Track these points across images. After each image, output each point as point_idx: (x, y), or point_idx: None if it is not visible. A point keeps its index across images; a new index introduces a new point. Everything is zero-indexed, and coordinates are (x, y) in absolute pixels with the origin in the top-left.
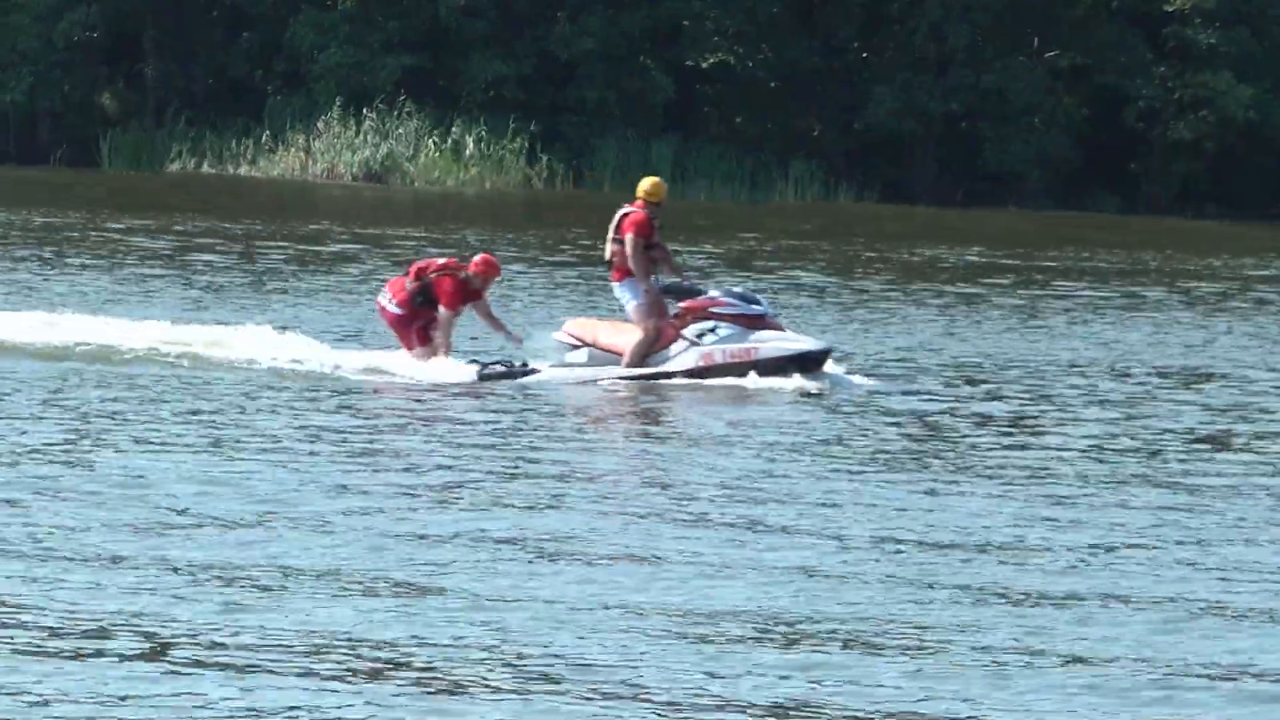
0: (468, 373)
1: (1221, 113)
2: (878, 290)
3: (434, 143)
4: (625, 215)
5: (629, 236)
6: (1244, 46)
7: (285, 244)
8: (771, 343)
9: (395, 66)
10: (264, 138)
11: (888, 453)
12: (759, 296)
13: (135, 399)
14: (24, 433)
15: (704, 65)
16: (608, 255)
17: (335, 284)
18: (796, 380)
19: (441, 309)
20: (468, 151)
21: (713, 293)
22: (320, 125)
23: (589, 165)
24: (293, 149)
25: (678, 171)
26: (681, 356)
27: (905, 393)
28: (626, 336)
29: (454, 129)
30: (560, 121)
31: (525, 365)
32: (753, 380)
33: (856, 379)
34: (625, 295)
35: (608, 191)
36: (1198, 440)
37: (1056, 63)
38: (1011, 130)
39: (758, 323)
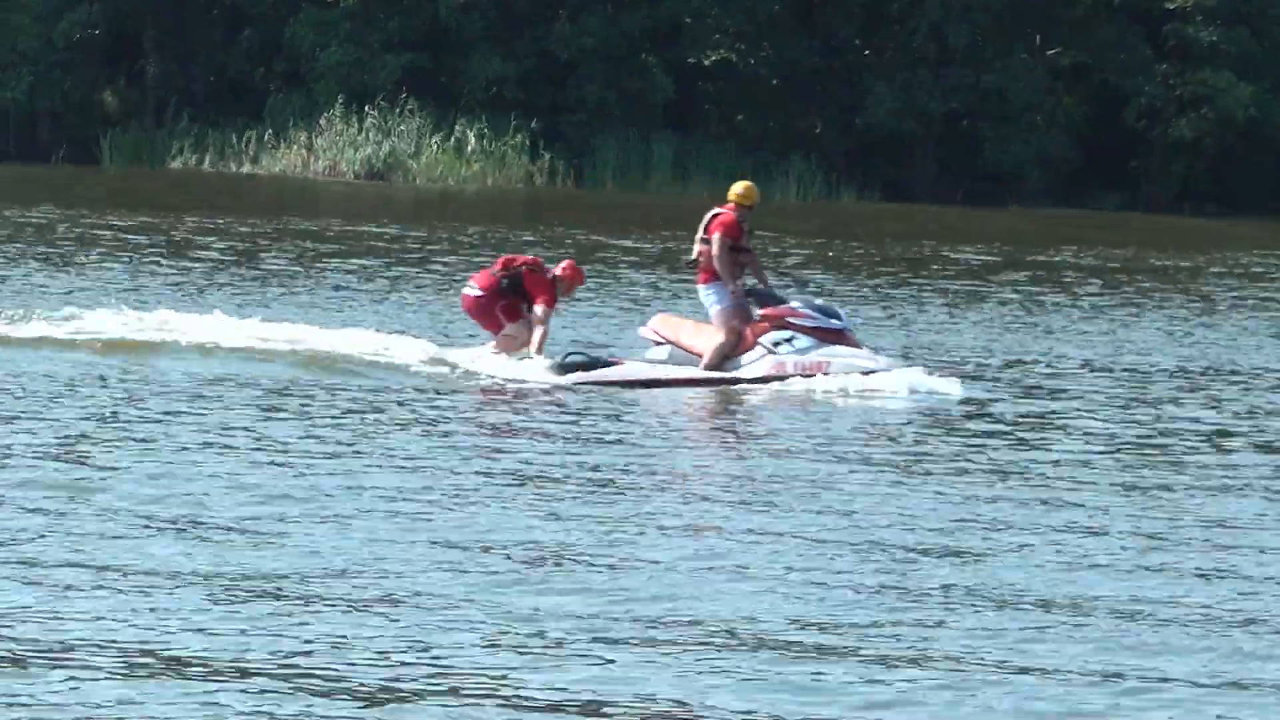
0: (541, 366)
1: (1222, 111)
2: (881, 288)
3: (436, 141)
4: (715, 216)
5: (716, 236)
6: (1244, 45)
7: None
8: (844, 359)
9: (396, 65)
10: (266, 135)
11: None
12: (840, 311)
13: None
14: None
15: (705, 63)
16: (694, 255)
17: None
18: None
19: (540, 307)
20: (469, 149)
21: (794, 303)
22: (322, 123)
23: (590, 164)
24: (294, 146)
25: (678, 170)
26: (755, 364)
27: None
28: (709, 339)
29: (456, 127)
30: (561, 120)
31: (608, 358)
32: (822, 383)
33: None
34: (710, 298)
35: (609, 190)
36: (1218, 438)
37: (1056, 61)
38: (1011, 130)
39: (835, 337)
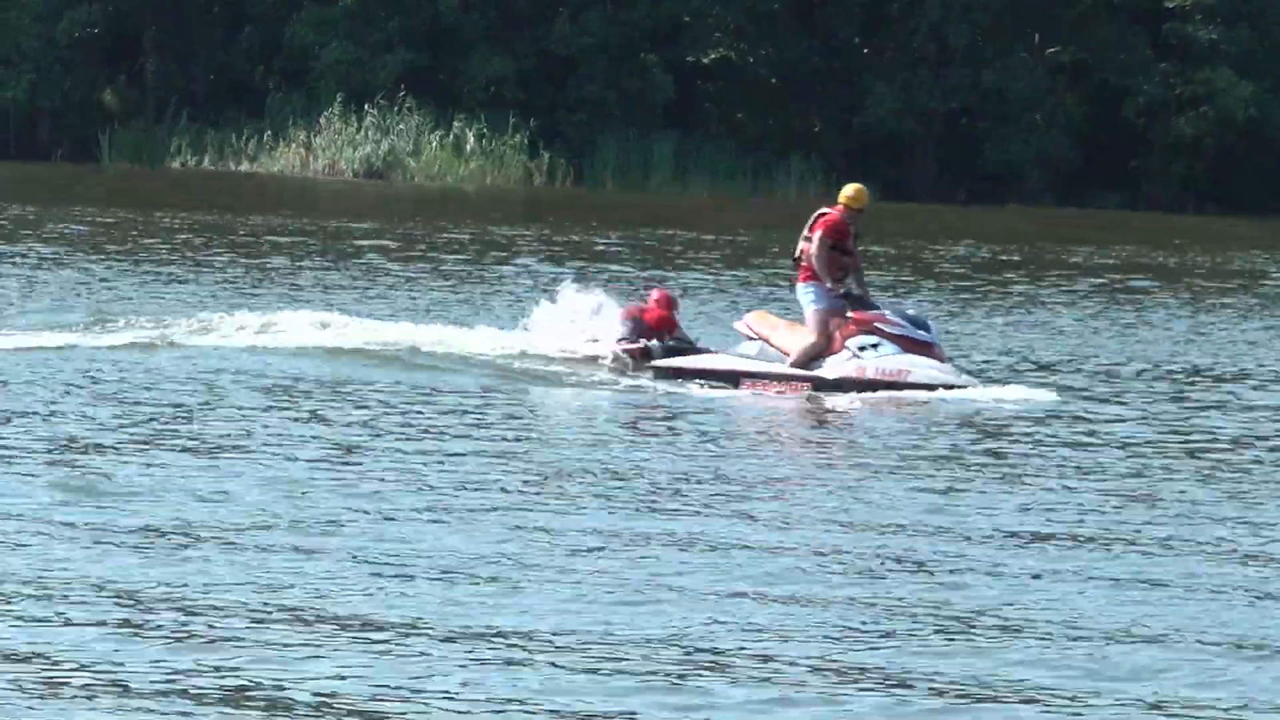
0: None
1: (1222, 110)
2: (887, 286)
3: (435, 139)
4: (821, 215)
5: (818, 235)
6: (1244, 44)
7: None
8: (925, 369)
9: (396, 64)
10: (265, 134)
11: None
12: (930, 324)
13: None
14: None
15: (704, 62)
16: (797, 253)
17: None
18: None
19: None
20: (469, 147)
21: (885, 311)
22: (322, 121)
23: (589, 163)
24: (294, 145)
25: (678, 168)
26: (837, 364)
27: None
28: (800, 339)
29: (455, 125)
30: (560, 119)
31: (697, 344)
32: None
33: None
34: (807, 297)
35: (609, 189)
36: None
37: (1056, 60)
38: (1011, 129)
39: (922, 349)
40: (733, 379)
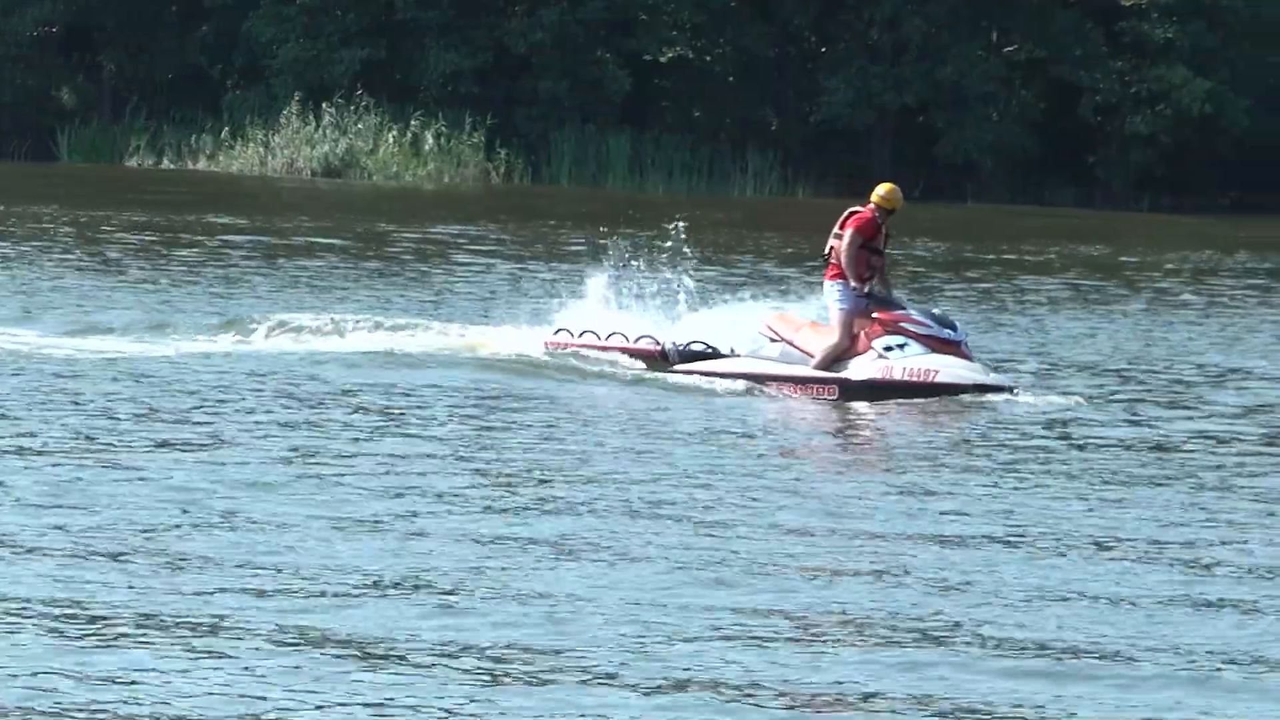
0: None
1: (1177, 106)
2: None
3: (393, 137)
4: (853, 213)
5: (849, 232)
6: (1200, 40)
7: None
8: (953, 369)
9: (353, 60)
10: (223, 133)
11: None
12: (956, 323)
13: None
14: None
15: (661, 60)
16: (826, 250)
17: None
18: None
19: None
20: (426, 146)
21: (911, 310)
22: (281, 120)
23: (546, 160)
24: (251, 144)
25: (635, 165)
26: (864, 367)
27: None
28: (824, 340)
29: (412, 123)
30: (517, 115)
31: (730, 350)
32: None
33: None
34: (833, 296)
35: (566, 185)
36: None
37: (1013, 55)
38: (968, 123)
39: (949, 348)
40: (758, 383)
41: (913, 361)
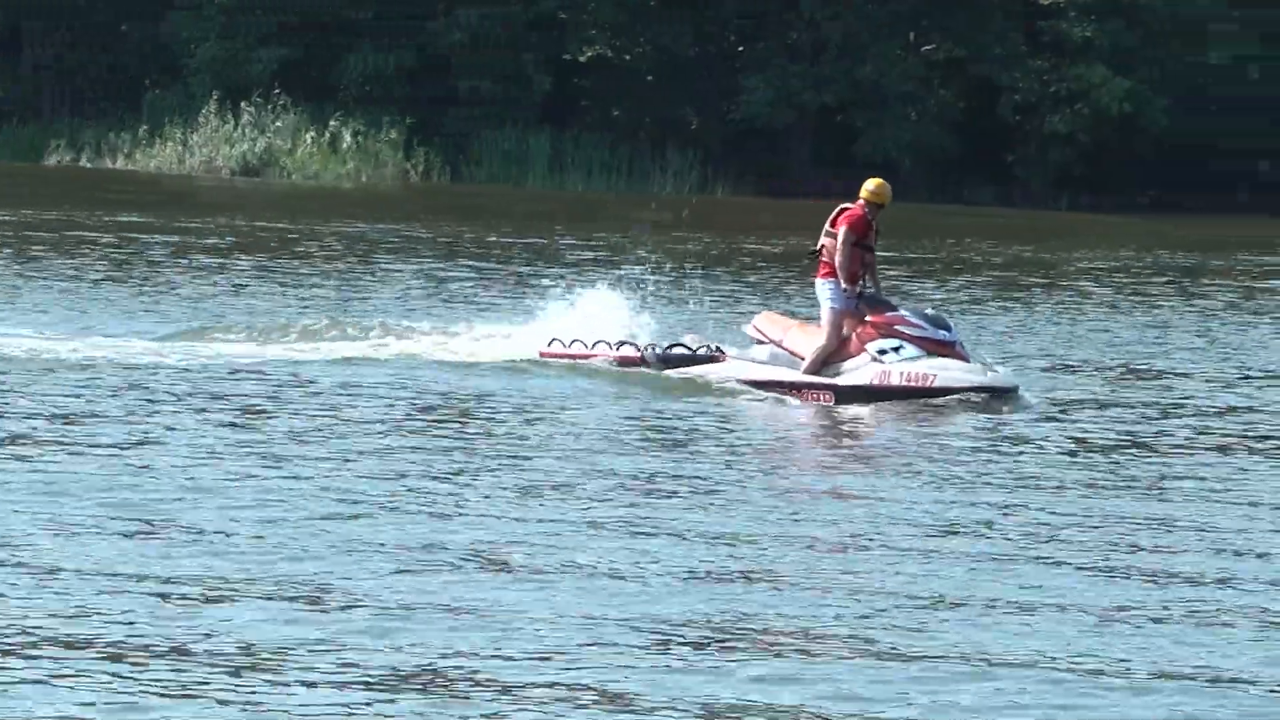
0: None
1: (1096, 106)
2: (763, 282)
3: (311, 136)
4: (843, 210)
5: (842, 230)
6: (1118, 39)
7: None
8: (952, 372)
9: (272, 59)
10: (141, 131)
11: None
12: (950, 323)
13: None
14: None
15: (581, 60)
16: (817, 247)
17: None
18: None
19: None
20: (344, 145)
21: (903, 311)
22: (199, 119)
23: (466, 159)
24: (170, 142)
25: (554, 164)
26: (858, 371)
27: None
28: (813, 342)
29: (331, 122)
30: (437, 114)
31: (713, 349)
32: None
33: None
34: (825, 294)
35: (484, 185)
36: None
37: (932, 55)
38: (887, 122)
39: (944, 349)
40: (754, 388)
41: (909, 365)
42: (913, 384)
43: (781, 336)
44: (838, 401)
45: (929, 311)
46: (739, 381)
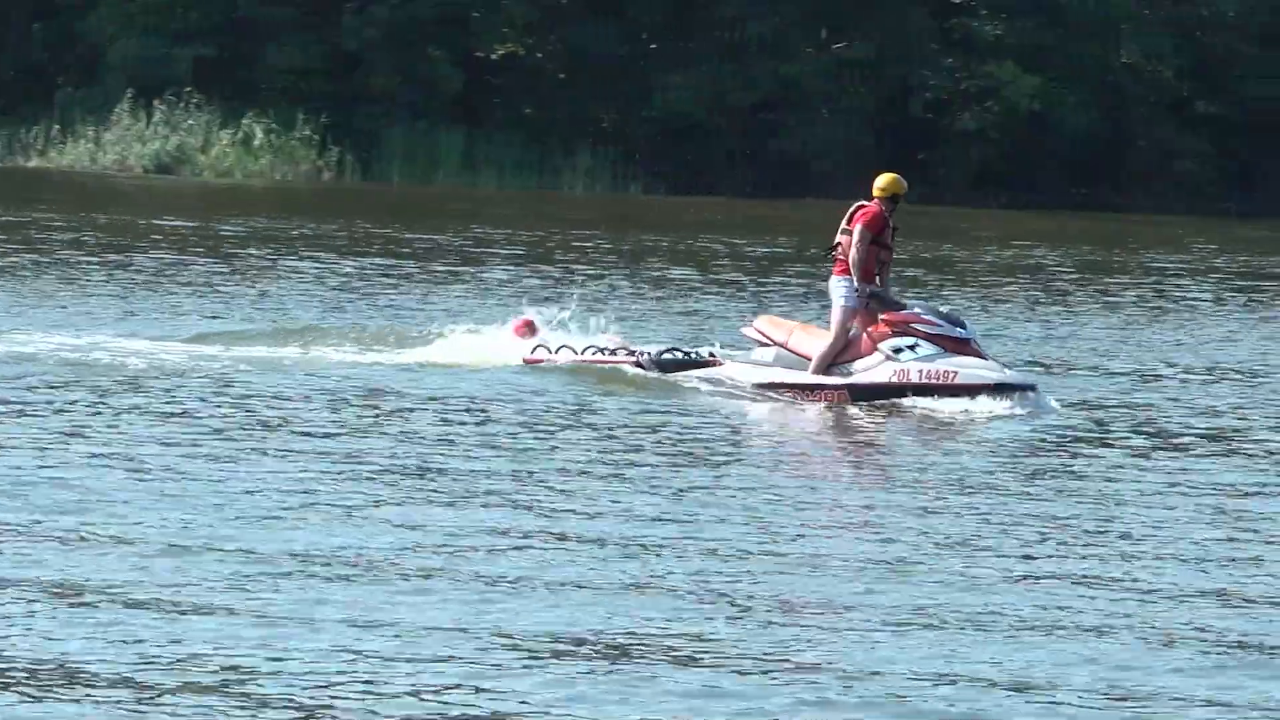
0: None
1: (1007, 103)
2: (673, 280)
3: (225, 134)
4: (860, 208)
5: (858, 228)
6: (1029, 36)
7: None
8: (973, 369)
9: (187, 57)
10: (54, 129)
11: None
12: (965, 320)
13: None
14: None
15: (493, 57)
16: (834, 244)
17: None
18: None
19: None
20: (257, 143)
21: (917, 309)
22: (112, 117)
23: (377, 156)
24: (82, 140)
25: (466, 162)
26: (874, 370)
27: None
28: (820, 342)
29: (244, 120)
30: (349, 112)
31: (709, 355)
32: (941, 403)
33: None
34: (838, 292)
35: (397, 182)
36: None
37: (848, 53)
38: (805, 120)
39: (961, 347)
40: (765, 390)
41: (930, 364)
42: (933, 381)
43: (785, 338)
44: (853, 400)
45: (943, 309)
46: (749, 385)
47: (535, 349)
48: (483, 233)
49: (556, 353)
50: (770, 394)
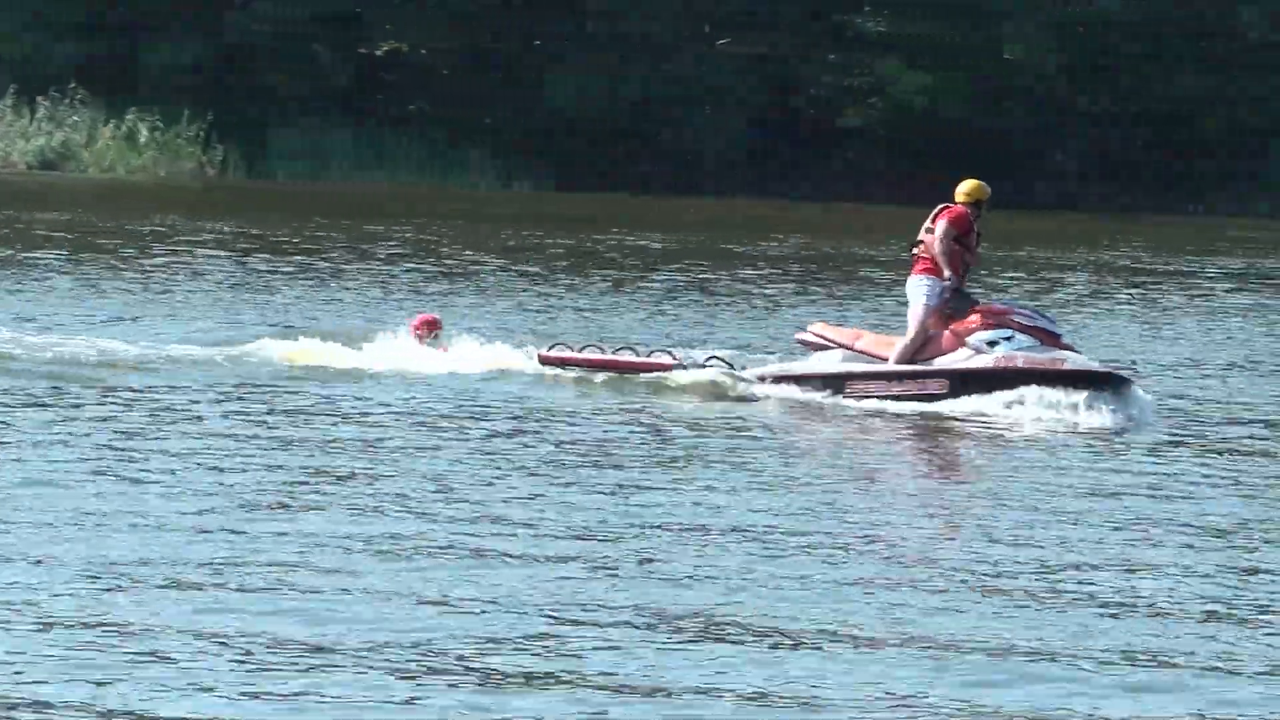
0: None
1: (893, 100)
2: (555, 276)
3: (110, 130)
4: (945, 207)
5: (942, 224)
6: (915, 34)
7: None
8: (1076, 359)
9: (71, 53)
10: None
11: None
12: (1054, 318)
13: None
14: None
15: (379, 53)
16: (915, 243)
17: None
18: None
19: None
20: (142, 139)
21: (1015, 304)
22: None
23: (264, 153)
24: None
25: (354, 159)
26: (975, 359)
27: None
28: (893, 341)
29: (129, 116)
30: (236, 108)
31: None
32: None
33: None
34: (919, 291)
35: (282, 179)
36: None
37: (734, 49)
38: (690, 117)
39: (1054, 341)
40: (837, 383)
41: (1035, 354)
42: (1039, 367)
43: (852, 341)
44: (951, 392)
45: (1033, 305)
46: (837, 377)
47: (553, 346)
48: (372, 230)
49: (581, 352)
50: (850, 392)
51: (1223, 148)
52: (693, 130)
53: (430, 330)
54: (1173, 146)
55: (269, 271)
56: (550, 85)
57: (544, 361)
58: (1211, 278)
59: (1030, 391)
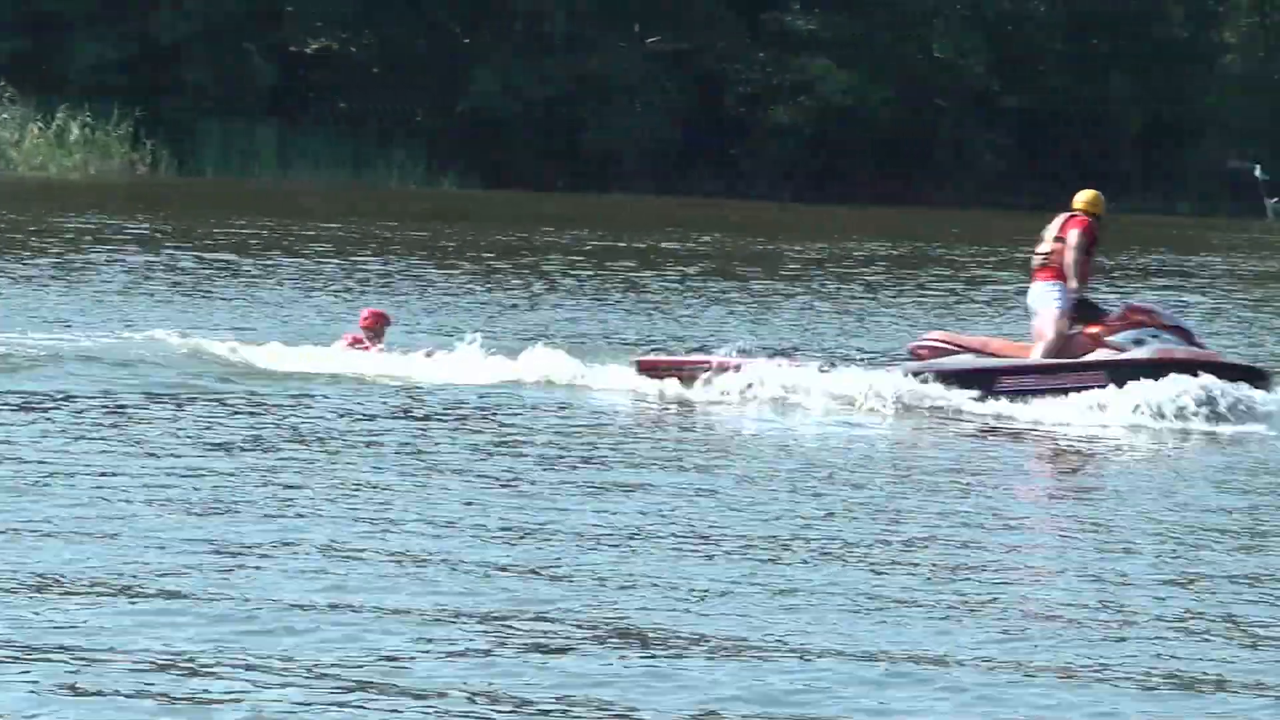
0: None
1: (819, 98)
2: (483, 274)
3: (38, 128)
4: (1071, 216)
5: (1074, 233)
6: (841, 31)
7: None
8: (1226, 356)
9: (1, 51)
10: None
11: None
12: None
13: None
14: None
15: (307, 51)
16: (1044, 252)
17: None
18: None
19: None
20: (72, 137)
21: (1155, 305)
22: None
23: (191, 151)
24: None
25: (281, 157)
26: (1133, 351)
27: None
28: (1026, 345)
29: (58, 114)
30: (164, 106)
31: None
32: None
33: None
34: (1048, 296)
35: (211, 177)
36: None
37: (657, 46)
38: (612, 114)
39: (1192, 340)
40: (988, 378)
41: (1191, 351)
42: (1196, 359)
43: (982, 345)
44: (1109, 382)
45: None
46: (1000, 371)
47: (650, 351)
48: (300, 227)
49: (689, 355)
50: (1000, 387)
51: (1146, 146)
52: (615, 127)
53: (378, 323)
54: (1096, 144)
55: (188, 269)
56: (471, 82)
57: (644, 367)
58: (1132, 275)
59: (1190, 382)
